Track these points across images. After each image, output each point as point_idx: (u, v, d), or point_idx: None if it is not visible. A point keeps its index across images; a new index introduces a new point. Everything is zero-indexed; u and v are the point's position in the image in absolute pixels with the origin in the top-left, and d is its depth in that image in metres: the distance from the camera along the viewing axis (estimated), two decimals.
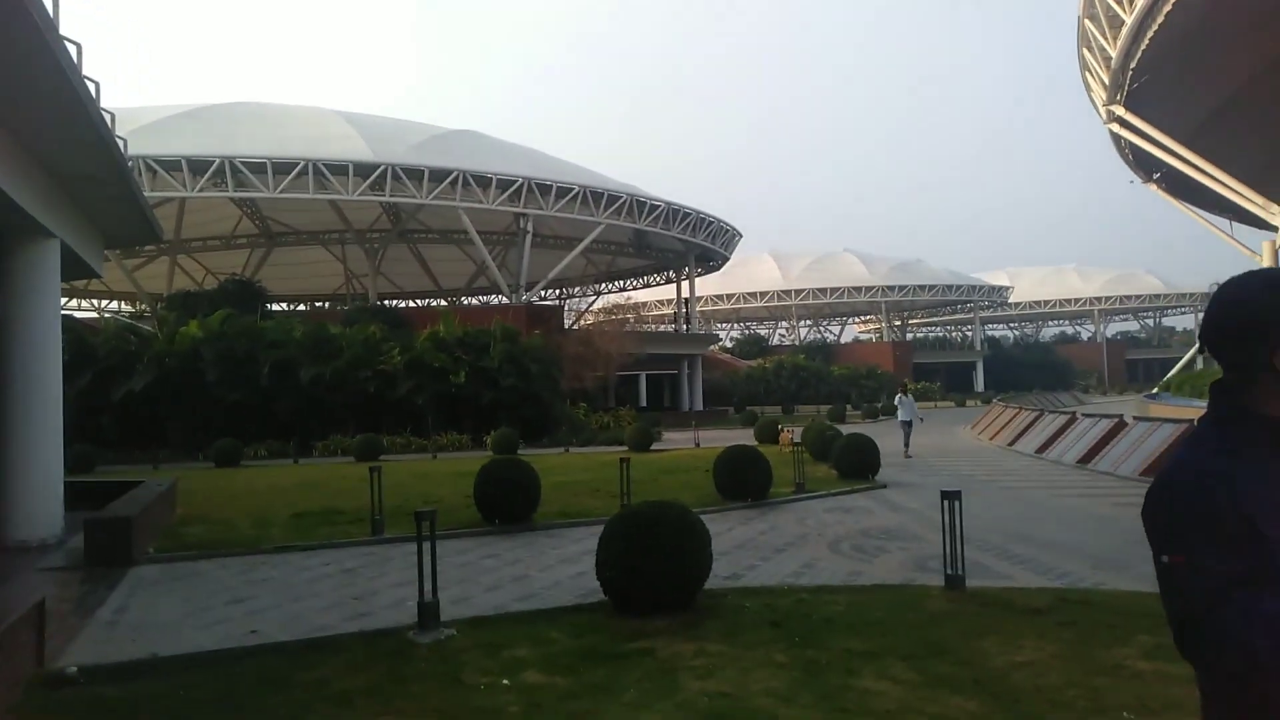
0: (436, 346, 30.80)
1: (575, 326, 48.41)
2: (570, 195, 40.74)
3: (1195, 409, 22.68)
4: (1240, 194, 27.31)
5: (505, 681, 5.08)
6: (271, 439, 27.69)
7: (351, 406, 29.35)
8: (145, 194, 14.63)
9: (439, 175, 37.49)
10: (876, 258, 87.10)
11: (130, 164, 12.02)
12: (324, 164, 35.77)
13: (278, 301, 51.60)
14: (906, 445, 21.06)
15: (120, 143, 10.96)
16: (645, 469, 17.91)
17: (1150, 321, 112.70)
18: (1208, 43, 24.04)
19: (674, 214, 45.78)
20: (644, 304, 68.40)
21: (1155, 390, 45.35)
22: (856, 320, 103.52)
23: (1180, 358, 55.68)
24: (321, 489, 16.25)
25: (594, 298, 59.86)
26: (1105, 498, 13.28)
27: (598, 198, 41.84)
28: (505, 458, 13.28)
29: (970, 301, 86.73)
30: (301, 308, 54.97)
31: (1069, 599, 6.71)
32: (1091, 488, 14.62)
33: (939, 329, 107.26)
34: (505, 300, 42.58)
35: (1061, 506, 12.51)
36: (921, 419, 23.22)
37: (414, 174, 37.12)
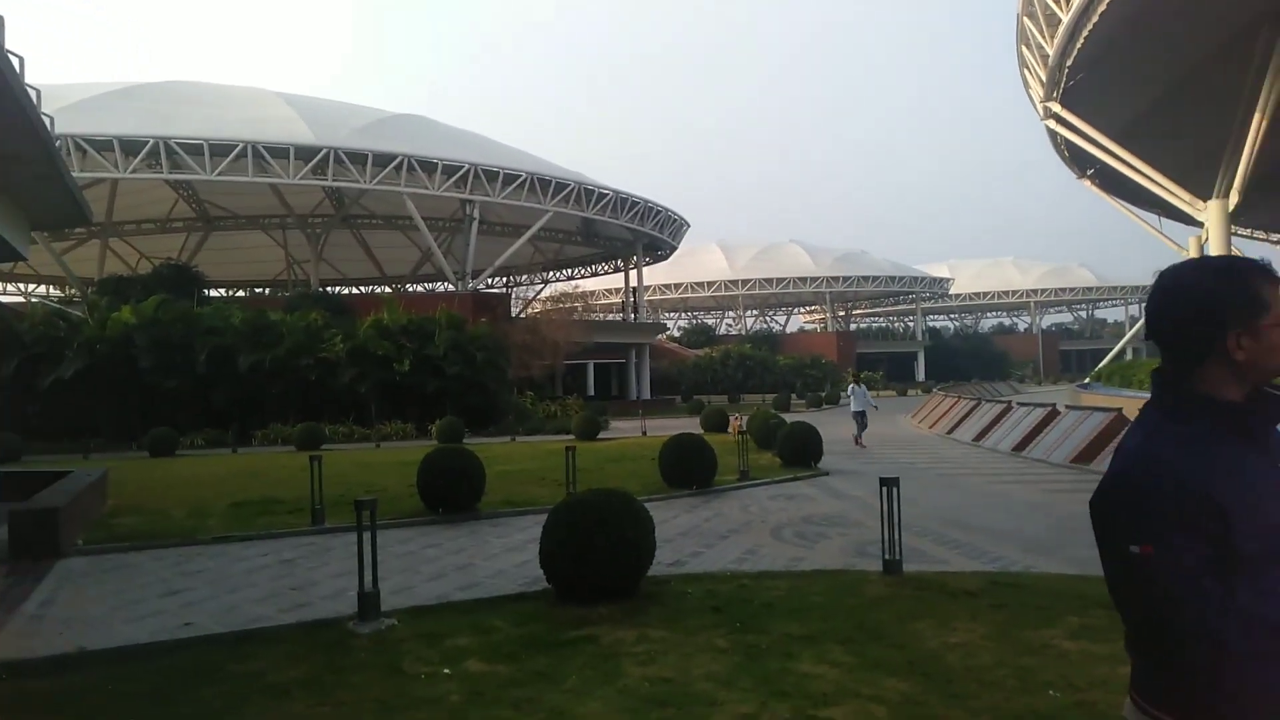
0: (380, 334, 30.36)
1: (522, 315, 48.13)
2: (517, 182, 40.40)
3: (1124, 398, 23.49)
4: (1169, 190, 28.26)
5: (446, 671, 5.06)
6: (209, 428, 27.06)
7: (292, 395, 28.79)
8: (74, 174, 14.13)
9: (383, 160, 36.85)
10: (821, 249, 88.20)
11: (58, 143, 11.60)
12: (264, 146, 34.87)
13: (216, 287, 50.23)
14: (859, 434, 21.02)
15: (47, 120, 10.56)
16: (592, 458, 17.92)
17: (1083, 314, 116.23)
18: (1140, 44, 24.77)
19: (622, 202, 45.73)
20: (592, 293, 68.23)
21: (1087, 380, 46.82)
22: (802, 310, 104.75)
23: (1111, 349, 57.47)
24: (260, 479, 15.94)
25: (541, 286, 59.61)
26: (1038, 484, 13.68)
27: (545, 185, 41.57)
28: (449, 446, 13.19)
29: (912, 293, 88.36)
30: (241, 294, 53.51)
31: (1001, 582, 6.90)
32: (1025, 475, 15.05)
33: (882, 319, 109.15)
34: (451, 288, 42.10)
35: (996, 493, 12.86)
36: (875, 408, 22.65)
37: (357, 158, 36.43)
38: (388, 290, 53.63)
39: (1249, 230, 41.71)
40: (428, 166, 37.98)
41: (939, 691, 4.54)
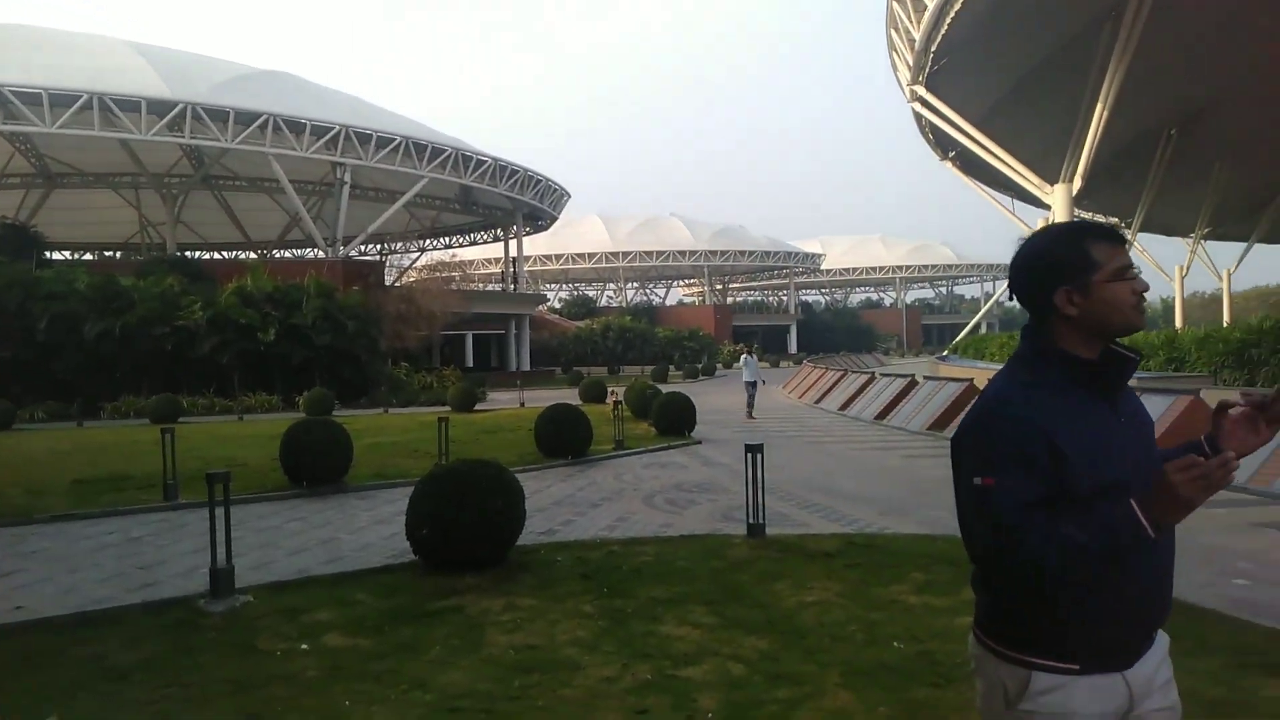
0: (243, 301, 28.90)
1: (397, 284, 46.76)
2: (392, 146, 39.05)
3: (977, 369, 24.91)
4: (1021, 174, 29.95)
5: (304, 646, 4.92)
6: (51, 400, 25.17)
7: (146, 365, 27.14)
8: None
9: (246, 118, 34.85)
10: (701, 222, 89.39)
11: None
12: (111, 98, 32.34)
13: (59, 249, 46.72)
14: (750, 406, 21.00)
15: None
16: (467, 429, 17.71)
17: (944, 289, 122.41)
18: (998, 33, 26.04)
19: (501, 170, 44.94)
20: (470, 262, 66.85)
21: (945, 352, 49.43)
22: (681, 283, 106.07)
23: (968, 323, 60.79)
24: (109, 453, 14.99)
25: (417, 254, 58.01)
26: (896, 451, 14.39)
27: (421, 150, 40.36)
28: (315, 418, 12.73)
29: (786, 268, 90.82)
30: (88, 257, 49.84)
31: (856, 543, 7.25)
32: (885, 442, 15.80)
33: (757, 293, 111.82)
34: (321, 254, 40.44)
35: (857, 459, 13.45)
36: (763, 381, 22.64)
37: (218, 115, 34.32)
38: (253, 256, 51.03)
39: (1091, 213, 44.77)
40: (295, 126, 36.18)
41: (794, 647, 4.74)
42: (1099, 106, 25.71)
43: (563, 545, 7.43)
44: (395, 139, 39.15)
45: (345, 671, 4.52)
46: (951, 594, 5.56)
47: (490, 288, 65.78)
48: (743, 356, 22.95)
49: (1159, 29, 23.56)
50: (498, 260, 66.22)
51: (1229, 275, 48.45)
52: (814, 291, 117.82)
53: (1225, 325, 22.73)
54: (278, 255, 53.87)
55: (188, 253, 48.02)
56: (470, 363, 51.23)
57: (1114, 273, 1.68)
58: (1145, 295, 1.71)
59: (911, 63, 29.57)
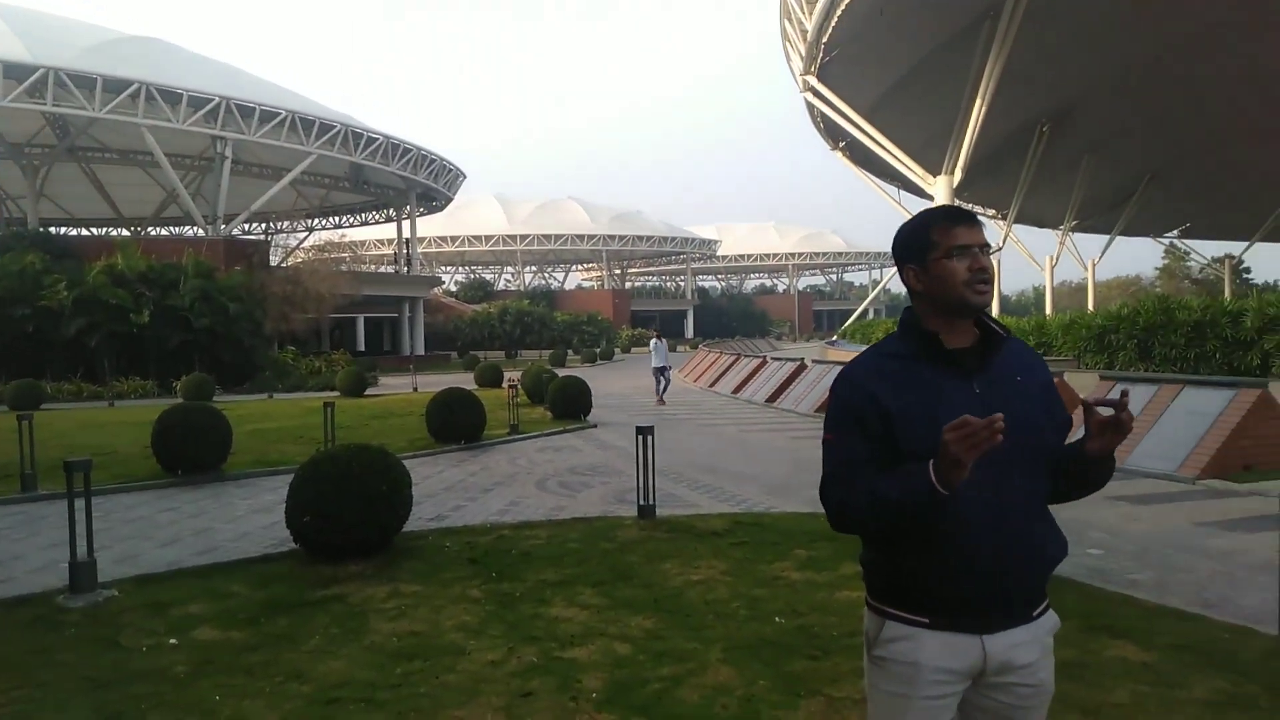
0: (114, 281, 27.29)
1: (284, 264, 44.98)
2: (276, 120, 37.37)
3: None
4: (906, 165, 31.02)
5: (172, 641, 4.71)
6: None
7: (5, 348, 25.33)
8: None
9: (116, 86, 32.67)
10: (599, 206, 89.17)
11: None
12: None
13: None
14: (661, 391, 20.80)
15: None
16: (356, 414, 17.26)
17: (834, 276, 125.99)
18: (886, 25, 26.84)
19: (394, 148, 43.67)
20: (362, 243, 65.00)
21: (835, 337, 51.00)
22: (580, 267, 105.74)
23: (856, 309, 62.76)
24: None
25: (305, 234, 55.90)
26: (785, 432, 14.77)
27: (308, 125, 38.80)
28: (191, 404, 12.14)
29: (683, 253, 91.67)
30: None
31: (743, 522, 7.41)
32: (775, 423, 16.19)
33: (655, 279, 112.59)
34: (201, 233, 38.46)
35: (748, 441, 13.74)
36: (665, 366, 21.99)
37: (84, 82, 32.06)
38: (125, 233, 48.14)
39: (971, 205, 46.84)
40: (171, 97, 34.16)
41: (679, 625, 4.81)
42: (978, 102, 26.84)
43: (452, 531, 7.33)
44: (280, 113, 37.50)
45: (216, 665, 4.35)
46: (831, 569, 5.76)
47: (383, 269, 64.04)
48: (652, 341, 22.69)
49: (1034, 28, 24.74)
50: (391, 241, 64.51)
51: (1094, 265, 51.47)
52: (710, 277, 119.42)
53: (1089, 312, 24.17)
54: (153, 233, 50.97)
55: (51, 228, 44.90)
56: (362, 347, 49.80)
57: (947, 251, 1.79)
58: (986, 273, 1.78)
59: (804, 53, 30.20)
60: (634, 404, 20.35)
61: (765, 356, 25.71)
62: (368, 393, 24.80)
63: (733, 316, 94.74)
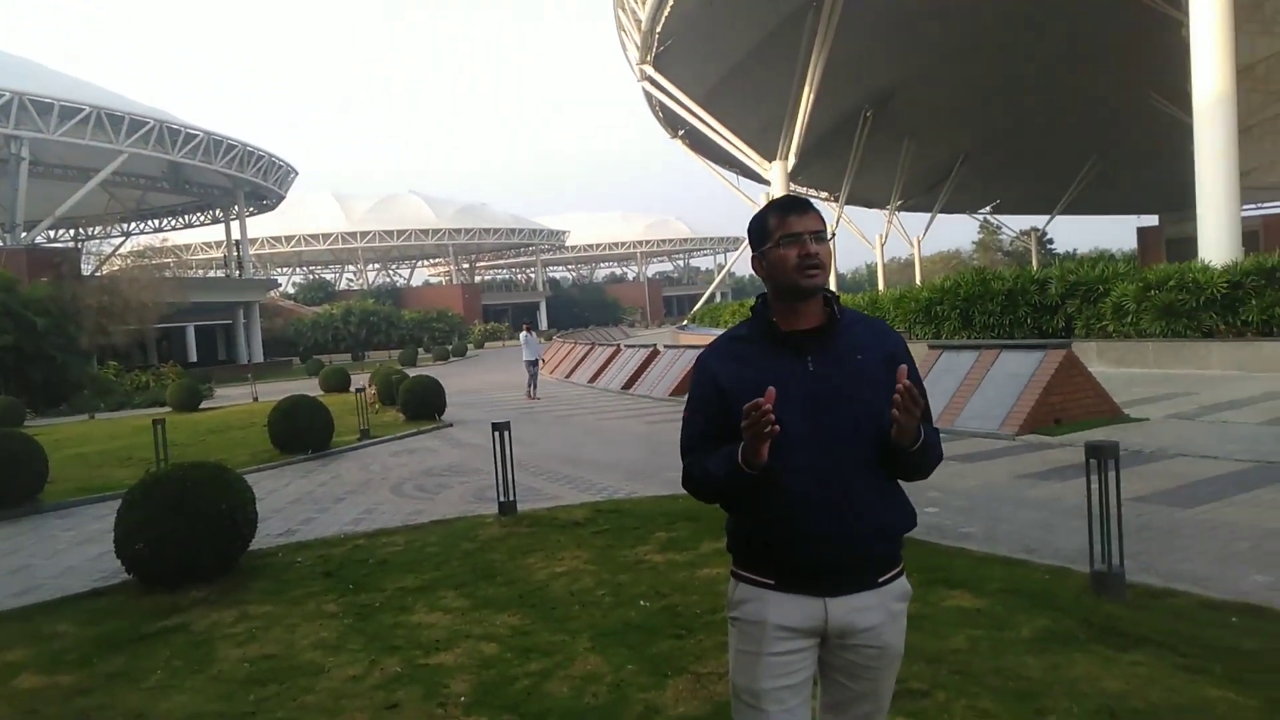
0: None
1: (98, 273, 41.56)
2: (80, 116, 34.45)
3: (713, 336, 26.49)
4: (743, 151, 32.03)
5: None
6: None
7: None
8: None
9: None
10: (442, 200, 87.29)
11: None
12: None
13: None
14: (533, 386, 20.30)
15: None
16: (190, 430, 16.25)
17: (681, 262, 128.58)
18: (718, 14, 27.56)
19: (216, 145, 41.16)
20: (186, 247, 61.09)
21: (685, 322, 52.10)
22: (426, 263, 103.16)
23: (703, 294, 64.31)
24: None
25: (121, 239, 51.86)
26: (641, 418, 14.98)
27: (117, 121, 35.96)
28: None
29: (532, 245, 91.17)
30: None
31: (604, 510, 7.47)
32: (631, 410, 16.39)
33: (505, 272, 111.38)
34: None
35: (606, 428, 13.86)
36: (539, 360, 21.74)
37: None
38: None
39: (806, 188, 48.87)
40: None
41: (545, 619, 4.80)
42: (806, 89, 28.00)
43: (303, 545, 7.02)
44: (83, 109, 34.59)
45: (41, 716, 3.99)
46: (692, 548, 5.90)
47: (212, 274, 60.29)
48: (522, 334, 22.00)
49: (854, 18, 26.01)
50: (219, 244, 60.80)
51: (919, 242, 54.89)
52: (561, 268, 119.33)
53: (916, 286, 25.72)
54: None
55: None
56: (194, 357, 46.74)
57: (778, 239, 1.89)
58: (814, 259, 1.86)
59: (639, 43, 30.55)
60: (489, 400, 20.10)
61: (619, 345, 25.95)
62: (203, 406, 23.38)
63: (585, 307, 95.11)
